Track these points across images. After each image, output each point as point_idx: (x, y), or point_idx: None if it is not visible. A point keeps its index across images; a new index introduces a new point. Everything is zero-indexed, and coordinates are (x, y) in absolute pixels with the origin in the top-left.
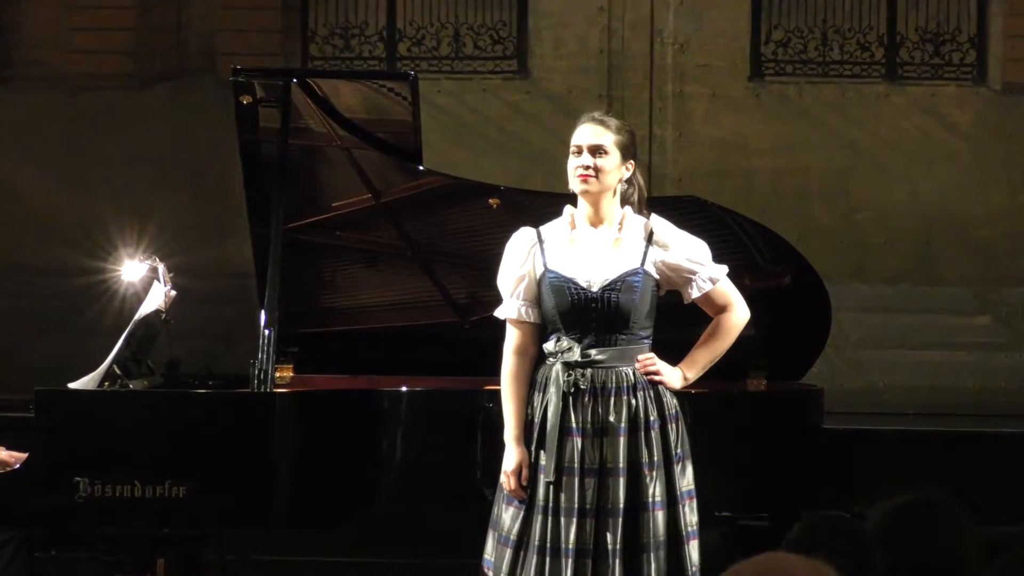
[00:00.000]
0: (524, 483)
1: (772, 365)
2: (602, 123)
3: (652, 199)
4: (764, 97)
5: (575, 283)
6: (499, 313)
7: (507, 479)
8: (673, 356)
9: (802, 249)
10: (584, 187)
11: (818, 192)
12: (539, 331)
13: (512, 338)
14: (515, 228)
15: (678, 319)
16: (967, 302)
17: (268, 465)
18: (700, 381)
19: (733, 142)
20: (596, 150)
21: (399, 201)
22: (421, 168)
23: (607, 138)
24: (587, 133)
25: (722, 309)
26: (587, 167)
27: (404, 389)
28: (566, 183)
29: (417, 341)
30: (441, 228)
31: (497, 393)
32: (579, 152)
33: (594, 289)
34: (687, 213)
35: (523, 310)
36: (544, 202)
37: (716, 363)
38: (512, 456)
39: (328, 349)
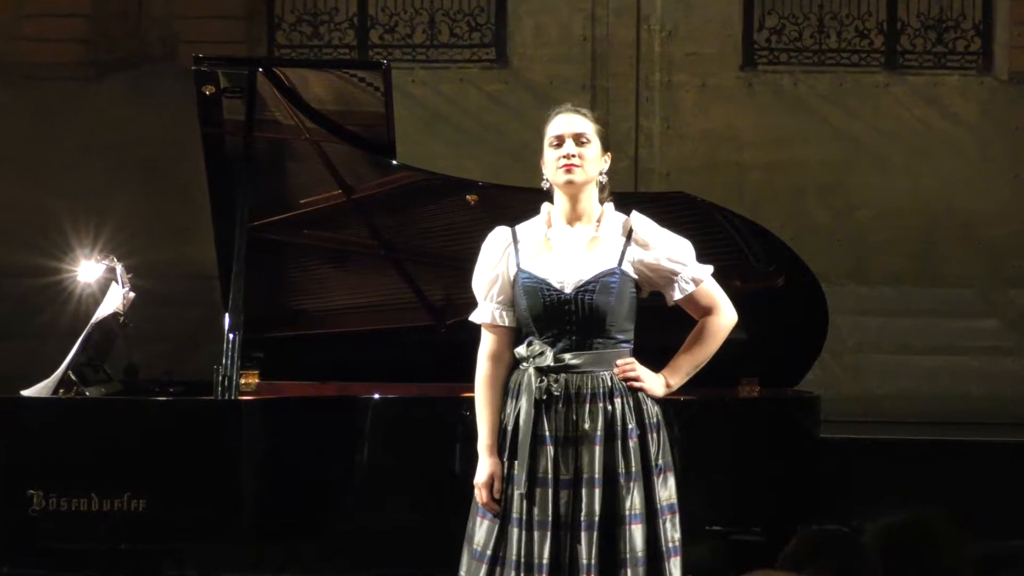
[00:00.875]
0: (496, 495)
1: (765, 371)
2: (579, 112)
3: (638, 195)
4: (757, 87)
5: (548, 284)
6: (474, 317)
7: (479, 492)
8: (660, 362)
9: (797, 248)
10: (569, 177)
11: (814, 188)
12: (515, 335)
13: (487, 342)
14: (494, 226)
15: (664, 322)
16: (972, 304)
17: (232, 477)
18: (689, 387)
19: (724, 135)
20: (579, 138)
21: (371, 197)
22: (394, 162)
23: (588, 126)
24: (567, 122)
25: (707, 312)
26: (571, 155)
27: (377, 397)
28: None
29: (391, 346)
30: (416, 226)
31: (474, 401)
32: (560, 142)
33: (567, 290)
34: (675, 210)
35: (497, 313)
36: (524, 199)
37: (706, 368)
38: (484, 467)
39: (296, 354)
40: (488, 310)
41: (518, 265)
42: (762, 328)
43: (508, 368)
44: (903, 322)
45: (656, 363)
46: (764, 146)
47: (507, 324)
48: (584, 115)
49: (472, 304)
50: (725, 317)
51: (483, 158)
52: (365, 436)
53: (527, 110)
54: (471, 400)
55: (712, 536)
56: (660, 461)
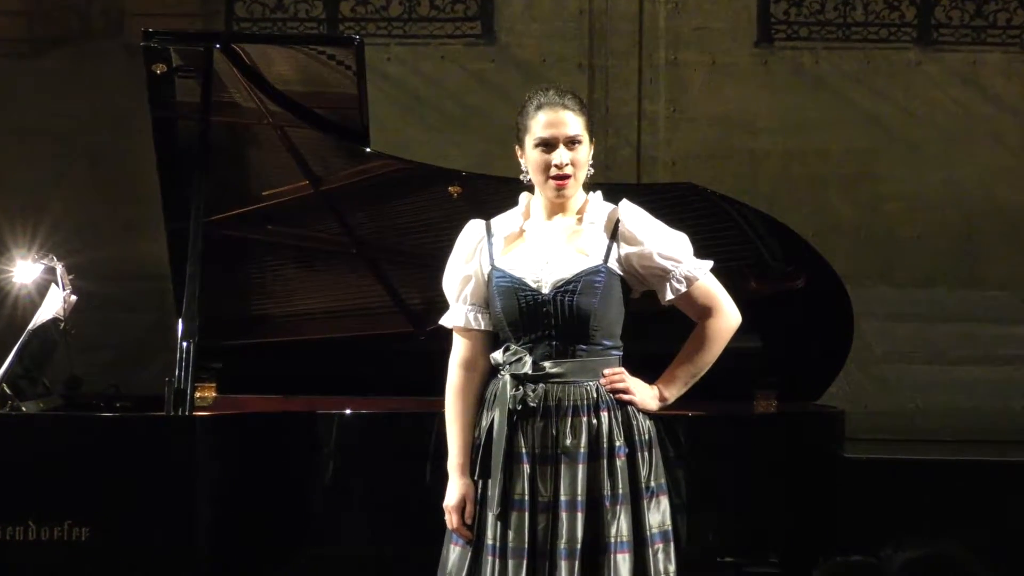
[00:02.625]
0: (468, 519)
1: (784, 383)
2: (566, 106)
3: (641, 186)
4: (774, 66)
5: (523, 283)
6: (445, 321)
7: (448, 516)
8: (657, 373)
9: (819, 245)
10: (562, 193)
11: (838, 179)
12: (491, 340)
13: (459, 349)
14: None
15: (661, 326)
16: (1015, 309)
17: (187, 502)
18: (699, 402)
19: (737, 119)
20: (572, 142)
21: (342, 189)
22: (368, 150)
23: (578, 123)
24: (557, 121)
25: (706, 313)
26: (563, 166)
27: (348, 412)
28: None
29: (364, 355)
30: (392, 221)
31: None
32: (550, 146)
33: (545, 290)
34: (682, 203)
35: (471, 316)
36: (512, 190)
37: (718, 381)
38: (454, 489)
39: (258, 365)
40: (461, 313)
41: (492, 262)
42: (779, 335)
43: (483, 377)
44: (938, 328)
45: (652, 374)
46: (782, 132)
47: (482, 327)
48: (572, 109)
49: None
50: (727, 319)
51: (467, 145)
52: (336, 456)
53: (516, 91)
54: None
55: (724, 568)
56: (652, 483)
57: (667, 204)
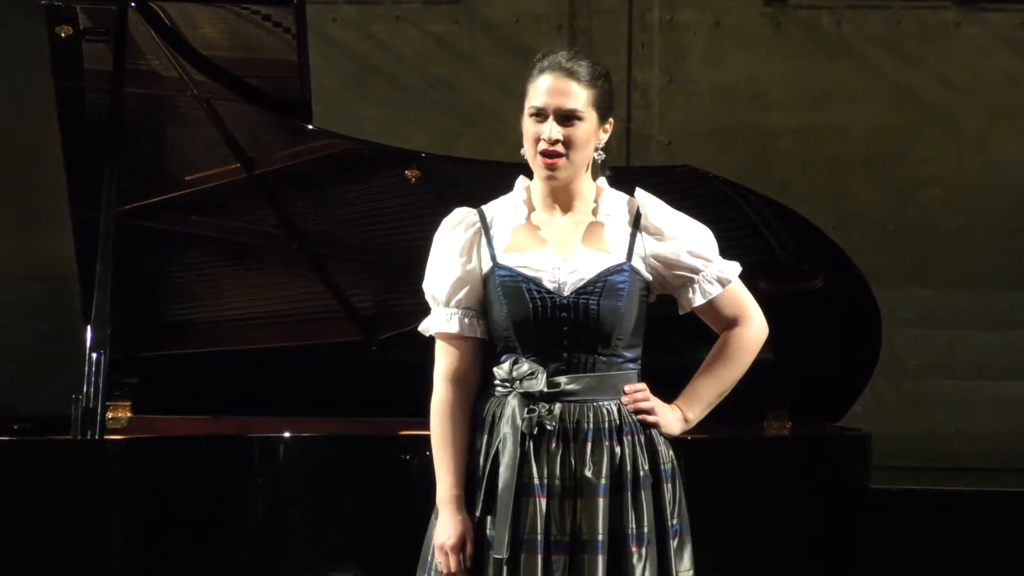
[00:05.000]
0: (469, 563)
1: (800, 402)
2: (571, 73)
3: (632, 170)
4: (787, 28)
5: (538, 284)
6: (431, 327)
7: (445, 558)
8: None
9: (840, 239)
10: (550, 174)
11: (862, 160)
12: (483, 350)
13: (447, 361)
14: (439, 210)
15: (670, 336)
16: None
17: (96, 540)
18: (702, 423)
19: (744, 91)
20: (567, 117)
21: (279, 173)
22: (310, 127)
23: (580, 97)
24: (553, 89)
25: (732, 322)
26: (553, 142)
27: (287, 435)
28: (511, 146)
29: (305, 368)
30: (338, 211)
31: (416, 440)
32: (541, 116)
33: (565, 293)
34: (680, 189)
35: (467, 322)
36: (481, 174)
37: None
38: (449, 526)
39: (181, 380)
40: (453, 318)
41: (493, 259)
42: (794, 345)
43: (475, 393)
44: (980, 337)
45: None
46: (796, 105)
47: (478, 335)
48: (578, 79)
49: (411, 312)
50: (756, 329)
51: (427, 121)
52: (273, 487)
53: (484, 59)
54: (411, 440)
55: None
56: (676, 520)
57: (663, 190)
